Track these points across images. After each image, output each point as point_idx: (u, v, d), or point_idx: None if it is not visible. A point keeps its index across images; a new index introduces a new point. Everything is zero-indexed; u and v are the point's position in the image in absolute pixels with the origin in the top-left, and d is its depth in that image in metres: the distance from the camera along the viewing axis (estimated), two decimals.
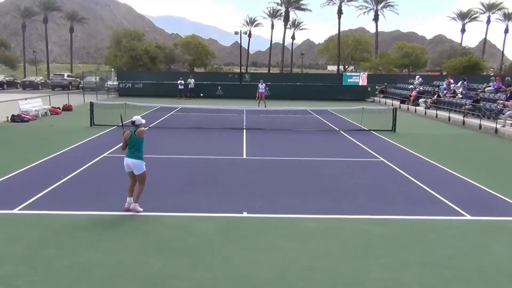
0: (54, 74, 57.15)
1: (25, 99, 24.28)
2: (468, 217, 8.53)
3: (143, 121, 8.48)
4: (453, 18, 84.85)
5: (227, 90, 41.40)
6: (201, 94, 39.80)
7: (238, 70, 54.00)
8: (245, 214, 8.41)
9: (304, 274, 5.99)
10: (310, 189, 10.35)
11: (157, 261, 6.30)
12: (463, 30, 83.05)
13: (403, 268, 6.25)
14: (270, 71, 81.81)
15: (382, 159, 13.93)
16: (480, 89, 28.68)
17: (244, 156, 14.07)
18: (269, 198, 9.49)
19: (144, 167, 8.36)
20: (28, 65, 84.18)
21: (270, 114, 25.32)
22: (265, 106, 29.77)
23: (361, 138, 18.08)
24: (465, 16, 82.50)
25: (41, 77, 58.93)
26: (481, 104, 24.23)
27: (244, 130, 19.74)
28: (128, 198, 8.40)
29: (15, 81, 54.13)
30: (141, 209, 8.32)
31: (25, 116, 21.61)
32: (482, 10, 79.40)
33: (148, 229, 7.55)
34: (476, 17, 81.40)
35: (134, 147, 8.27)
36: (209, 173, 11.77)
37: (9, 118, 21.22)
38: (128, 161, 8.27)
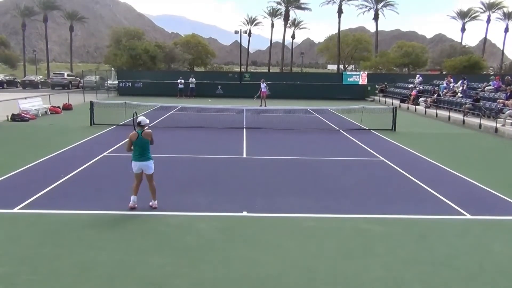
0: (54, 73, 57.16)
1: (25, 98, 24.29)
2: (468, 216, 8.54)
3: (147, 121, 8.54)
4: (453, 17, 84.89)
5: (227, 89, 41.39)
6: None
7: (238, 69, 53.99)
8: (245, 213, 8.42)
9: (304, 273, 6.00)
10: (310, 188, 10.35)
11: (158, 260, 6.30)
12: (463, 29, 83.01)
13: (403, 267, 6.26)
14: (270, 70, 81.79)
15: (382, 158, 13.94)
16: (480, 88, 28.69)
17: (244, 156, 14.06)
18: (269, 198, 9.49)
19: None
20: (28, 64, 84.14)
21: (270, 114, 25.32)
22: (265, 106, 29.78)
23: (361, 137, 18.08)
24: (465, 15, 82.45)
25: (41, 76, 58.98)
26: (481, 103, 24.24)
27: (244, 129, 19.74)
28: (133, 196, 8.45)
29: (15, 80, 54.19)
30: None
31: (25, 115, 21.62)
32: (482, 9, 79.42)
33: (149, 228, 7.56)
34: (476, 16, 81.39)
35: (141, 148, 8.32)
36: (209, 172, 11.77)
37: (9, 117, 21.22)
38: (140, 165, 8.35)
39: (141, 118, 8.44)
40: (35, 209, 8.29)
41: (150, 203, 8.55)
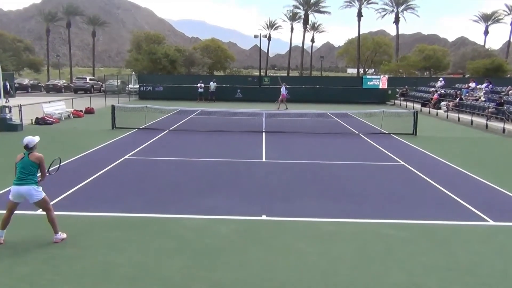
0: (76, 78, 58.16)
1: (49, 102, 24.75)
2: (491, 222, 8.37)
3: (36, 140, 7.31)
4: (476, 21, 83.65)
5: (247, 93, 41.49)
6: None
7: (257, 73, 54.10)
8: (264, 217, 8.41)
9: (323, 277, 5.96)
10: (330, 193, 10.30)
11: (177, 262, 6.35)
12: (486, 32, 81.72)
13: (424, 272, 6.16)
14: (290, 74, 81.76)
15: (402, 162, 13.78)
16: (504, 91, 28.14)
17: (264, 160, 14.07)
18: (289, 201, 9.47)
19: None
20: (52, 69, 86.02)
21: (289, 117, 25.29)
22: (286, 108, 29.93)
23: (381, 141, 17.91)
24: (488, 18, 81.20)
25: (64, 81, 60.17)
26: (505, 107, 23.76)
27: (264, 133, 19.75)
28: (0, 231, 6.92)
29: (39, 84, 55.27)
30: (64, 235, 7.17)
31: (48, 118, 22.05)
32: (506, 11, 78.08)
33: (168, 231, 7.61)
34: (500, 19, 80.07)
35: (23, 170, 6.89)
36: (228, 176, 11.81)
37: (34, 121, 21.69)
38: (19, 190, 6.81)
39: (27, 139, 7.18)
40: (58, 211, 8.38)
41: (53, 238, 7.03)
